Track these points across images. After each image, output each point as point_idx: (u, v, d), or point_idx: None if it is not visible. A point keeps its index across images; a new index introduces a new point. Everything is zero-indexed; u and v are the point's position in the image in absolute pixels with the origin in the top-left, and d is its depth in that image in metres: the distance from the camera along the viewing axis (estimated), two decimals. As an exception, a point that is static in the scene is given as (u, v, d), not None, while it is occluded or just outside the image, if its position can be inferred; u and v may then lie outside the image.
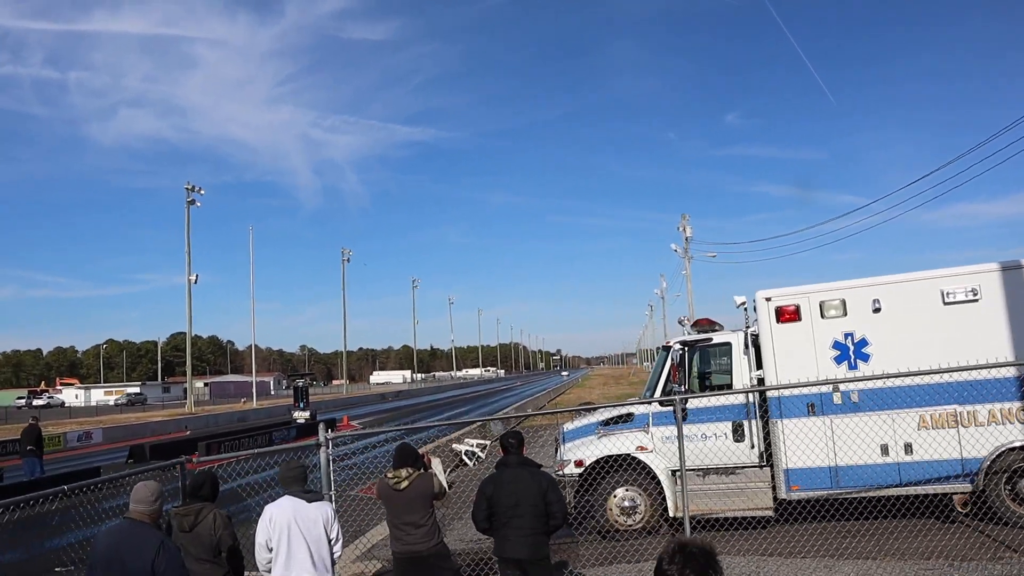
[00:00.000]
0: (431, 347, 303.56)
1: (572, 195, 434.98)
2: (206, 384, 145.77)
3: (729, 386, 11.51)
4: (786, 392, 10.72)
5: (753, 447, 11.11)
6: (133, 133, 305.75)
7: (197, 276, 72.11)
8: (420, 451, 7.72)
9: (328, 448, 7.95)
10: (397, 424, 45.01)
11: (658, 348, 12.79)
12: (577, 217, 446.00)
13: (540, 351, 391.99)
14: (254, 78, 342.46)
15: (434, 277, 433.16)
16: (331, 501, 7.99)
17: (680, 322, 12.58)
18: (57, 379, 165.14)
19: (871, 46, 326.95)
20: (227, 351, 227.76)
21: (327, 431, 7.95)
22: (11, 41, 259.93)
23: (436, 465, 8.00)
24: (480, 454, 24.85)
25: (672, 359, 11.33)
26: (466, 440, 25.61)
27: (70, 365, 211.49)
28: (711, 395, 11.13)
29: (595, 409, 12.70)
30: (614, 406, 11.57)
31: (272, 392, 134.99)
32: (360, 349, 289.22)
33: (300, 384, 43.06)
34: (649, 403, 11.57)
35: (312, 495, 6.63)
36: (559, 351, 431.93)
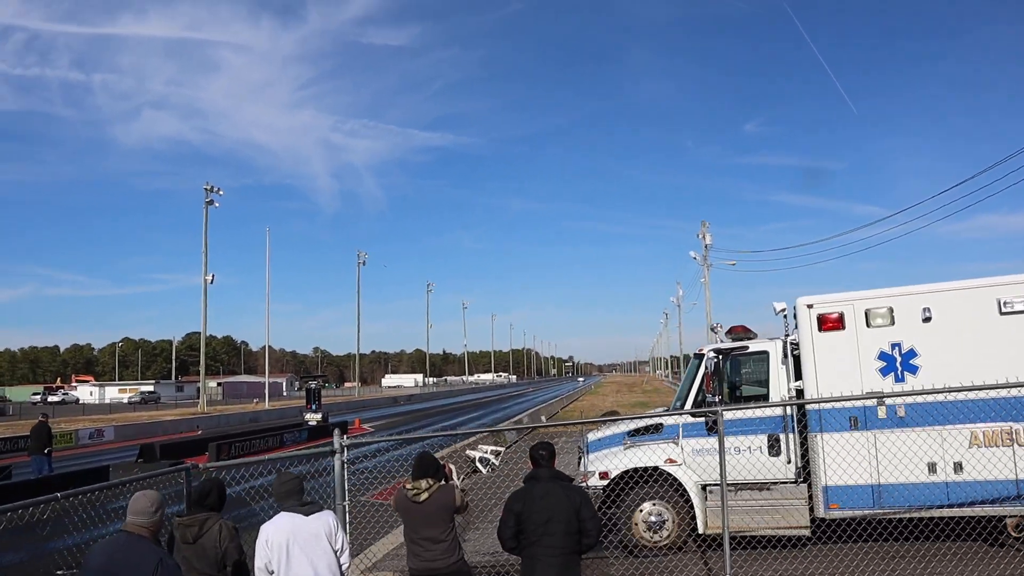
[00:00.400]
0: (443, 351, 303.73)
1: (588, 201, 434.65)
2: (219, 384, 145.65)
3: (765, 397, 10.92)
4: (827, 405, 10.12)
5: (790, 462, 10.51)
6: (156, 135, 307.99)
7: (213, 276, 71.98)
8: (441, 460, 7.15)
9: (343, 455, 7.41)
10: (411, 430, 44.51)
11: (692, 355, 12.18)
12: (593, 223, 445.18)
13: (553, 357, 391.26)
14: (276, 82, 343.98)
15: (449, 281, 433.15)
16: (345, 512, 7.46)
17: (713, 329, 11.99)
18: (73, 376, 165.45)
19: (893, 54, 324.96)
20: (241, 352, 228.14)
21: (342, 436, 7.41)
22: (40, 44, 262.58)
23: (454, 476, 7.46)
24: (494, 461, 24.34)
25: (706, 367, 10.74)
26: (480, 446, 25.12)
27: (86, 363, 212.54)
28: (751, 407, 10.48)
29: (621, 420, 12.15)
30: (642, 417, 10.98)
31: (285, 393, 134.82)
32: (373, 352, 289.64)
33: (312, 386, 42.60)
34: (681, 414, 10.99)
35: (310, 507, 6.07)
36: (571, 357, 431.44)
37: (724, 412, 10.13)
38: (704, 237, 62.47)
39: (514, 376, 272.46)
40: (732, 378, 11.41)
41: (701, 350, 11.48)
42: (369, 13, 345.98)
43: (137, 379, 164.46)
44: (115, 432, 44.02)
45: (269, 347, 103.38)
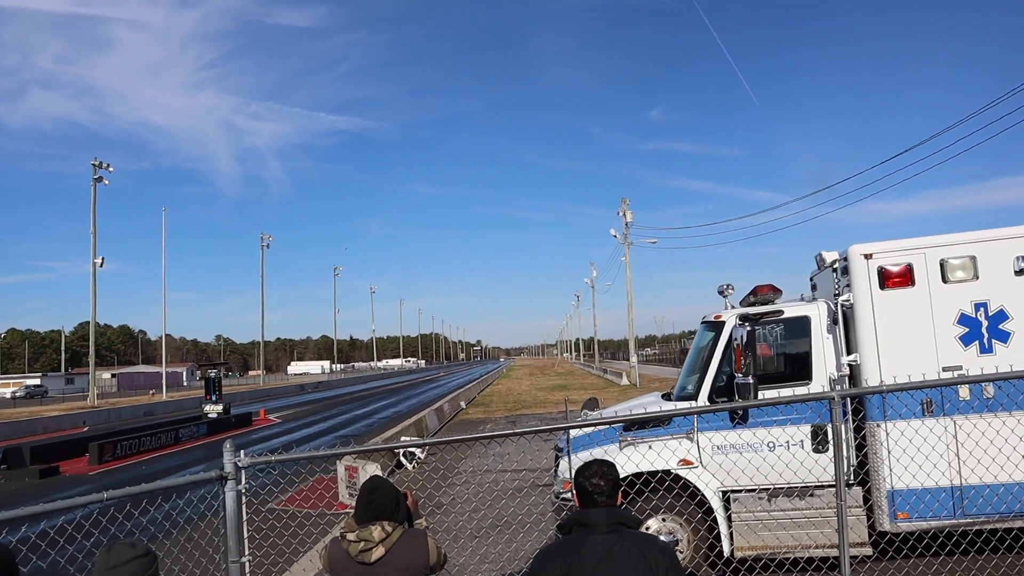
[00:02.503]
0: (351, 337, 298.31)
1: (497, 186, 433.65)
2: (113, 375, 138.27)
3: (802, 376, 8.44)
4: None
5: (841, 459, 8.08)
6: (45, 116, 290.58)
7: (103, 260, 66.76)
8: (401, 488, 4.35)
9: (240, 482, 4.53)
10: (321, 419, 41.22)
11: (702, 324, 9.59)
12: (500, 208, 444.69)
13: (461, 342, 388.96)
14: (175, 62, 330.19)
15: (356, 267, 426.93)
16: (244, 571, 4.59)
17: (722, 292, 9.42)
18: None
19: (796, 51, 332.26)
20: (138, 341, 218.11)
21: (237, 454, 4.50)
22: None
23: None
24: (419, 454, 21.57)
25: (735, 339, 8.15)
26: (402, 438, 22.35)
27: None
28: (798, 399, 7.83)
29: (632, 420, 9.53)
30: (651, 416, 8.19)
31: (185, 383, 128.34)
32: (278, 339, 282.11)
33: (212, 375, 38.90)
34: (696, 406, 8.44)
35: None
36: (480, 342, 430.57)
37: (749, 392, 7.78)
38: (624, 215, 60.67)
39: (423, 361, 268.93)
40: (762, 352, 8.89)
41: (718, 316, 8.89)
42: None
43: (24, 372, 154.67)
44: (-17, 431, 39.33)
45: (168, 335, 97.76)
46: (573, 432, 8.84)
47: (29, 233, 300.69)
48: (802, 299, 9.41)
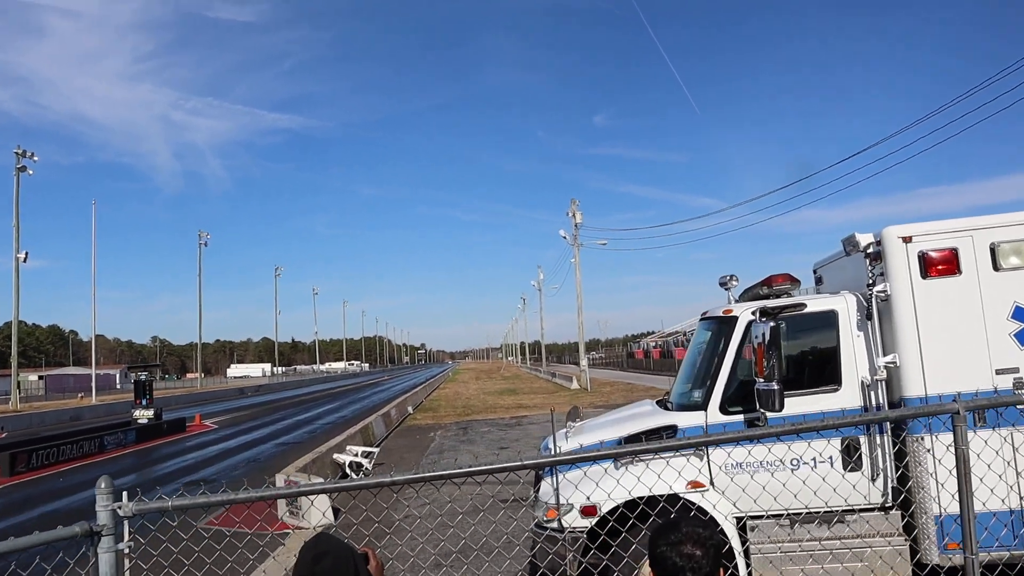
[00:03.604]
0: (293, 340, 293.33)
1: (442, 188, 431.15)
2: (41, 377, 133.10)
3: (829, 381, 7.20)
4: (935, 391, 6.54)
5: (876, 478, 6.86)
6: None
7: (27, 254, 63.74)
8: (359, 548, 2.91)
9: (123, 539, 3.05)
10: (260, 425, 39.24)
11: (706, 320, 8.31)
12: (445, 209, 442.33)
13: (405, 345, 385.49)
14: (110, 52, 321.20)
15: (298, 268, 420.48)
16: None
17: (724, 284, 8.16)
18: None
19: (735, 57, 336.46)
20: (69, 342, 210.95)
21: (118, 498, 3.00)
22: None
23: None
24: (367, 465, 20.04)
25: (753, 337, 6.87)
26: (348, 448, 20.74)
27: None
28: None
29: (625, 423, 8.14)
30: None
31: (119, 386, 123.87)
32: (217, 341, 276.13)
33: (142, 378, 36.61)
34: (727, 432, 7.14)
35: None
36: (424, 345, 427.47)
37: (772, 400, 6.56)
38: (574, 216, 59.63)
39: (367, 364, 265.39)
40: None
41: (728, 311, 7.63)
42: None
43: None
44: None
45: (102, 336, 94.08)
46: (559, 445, 7.49)
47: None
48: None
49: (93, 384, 74.37)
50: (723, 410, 7.23)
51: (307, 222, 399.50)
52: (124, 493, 3.11)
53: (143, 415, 34.44)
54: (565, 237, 60.55)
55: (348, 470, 18.63)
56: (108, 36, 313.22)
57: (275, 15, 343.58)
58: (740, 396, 7.24)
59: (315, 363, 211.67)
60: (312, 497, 13.60)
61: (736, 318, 7.46)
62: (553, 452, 7.36)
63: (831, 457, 6.83)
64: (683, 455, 6.88)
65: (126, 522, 3.09)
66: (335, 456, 18.87)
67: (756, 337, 6.78)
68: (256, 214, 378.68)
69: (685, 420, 7.38)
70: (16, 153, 61.50)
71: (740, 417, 7.12)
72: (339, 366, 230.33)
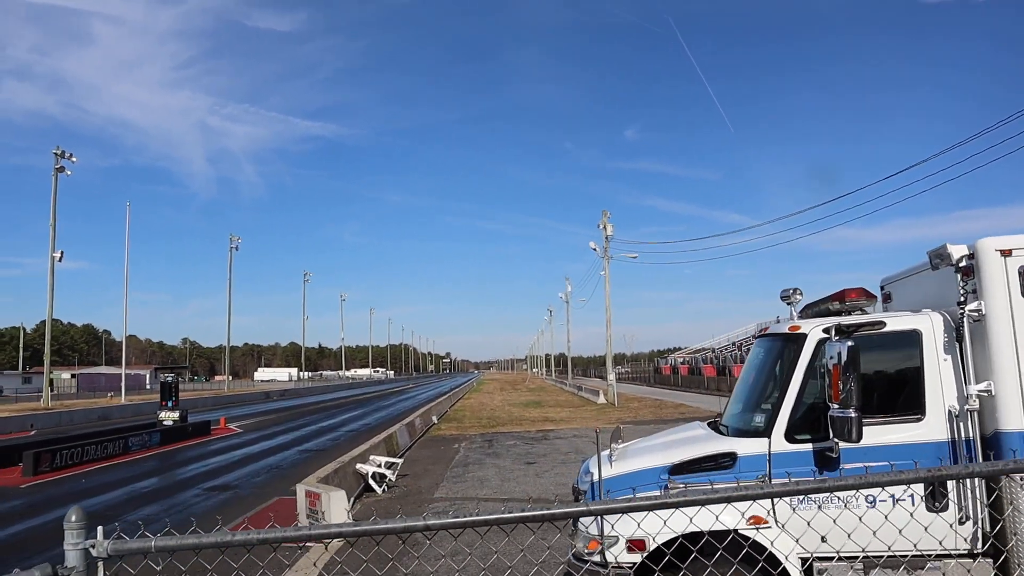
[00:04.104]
0: (319, 345, 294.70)
1: (470, 198, 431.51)
2: (74, 375, 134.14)
3: (913, 407, 6.66)
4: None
5: (965, 520, 6.30)
6: (16, 107, 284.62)
7: (62, 253, 64.16)
8: None
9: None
10: (282, 431, 39.03)
11: (764, 337, 7.83)
12: (472, 220, 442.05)
13: (430, 353, 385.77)
14: (151, 59, 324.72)
15: (327, 275, 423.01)
16: None
17: (786, 297, 7.64)
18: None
19: (770, 76, 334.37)
20: (102, 341, 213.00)
21: (91, 534, 2.61)
22: None
23: None
24: (390, 476, 19.64)
25: (826, 357, 6.38)
26: (372, 458, 20.27)
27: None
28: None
29: (674, 443, 7.61)
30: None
31: (148, 386, 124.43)
32: (246, 344, 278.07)
33: (168, 379, 36.56)
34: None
35: None
36: (449, 354, 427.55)
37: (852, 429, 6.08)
38: (605, 228, 59.07)
39: (391, 372, 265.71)
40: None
41: (795, 327, 7.06)
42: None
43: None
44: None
45: (134, 336, 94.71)
46: (599, 473, 7.01)
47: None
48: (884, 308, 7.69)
49: (123, 384, 74.75)
50: (789, 437, 6.65)
51: (337, 229, 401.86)
52: (99, 529, 2.72)
53: (168, 417, 34.38)
54: (595, 249, 60.00)
55: (371, 481, 18.28)
56: (150, 43, 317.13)
57: (311, 25, 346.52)
58: (808, 422, 6.67)
59: (341, 369, 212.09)
60: (331, 509, 13.28)
61: (805, 335, 6.87)
62: (598, 477, 6.91)
63: (913, 495, 6.29)
64: (744, 486, 6.39)
65: (101, 565, 2.69)
66: (358, 466, 18.52)
67: (831, 357, 6.23)
68: (287, 220, 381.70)
69: (745, 447, 6.79)
70: (55, 153, 62.04)
71: (808, 446, 6.55)
72: (364, 373, 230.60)
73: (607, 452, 7.53)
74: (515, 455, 23.75)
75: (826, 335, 6.57)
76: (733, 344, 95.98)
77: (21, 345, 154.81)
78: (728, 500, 3.54)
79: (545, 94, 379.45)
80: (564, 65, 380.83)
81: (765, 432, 6.77)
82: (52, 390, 69.86)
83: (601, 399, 54.65)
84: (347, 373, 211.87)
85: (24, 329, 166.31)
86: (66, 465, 23.42)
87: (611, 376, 57.35)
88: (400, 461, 20.57)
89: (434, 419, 38.90)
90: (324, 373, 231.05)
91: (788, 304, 7.64)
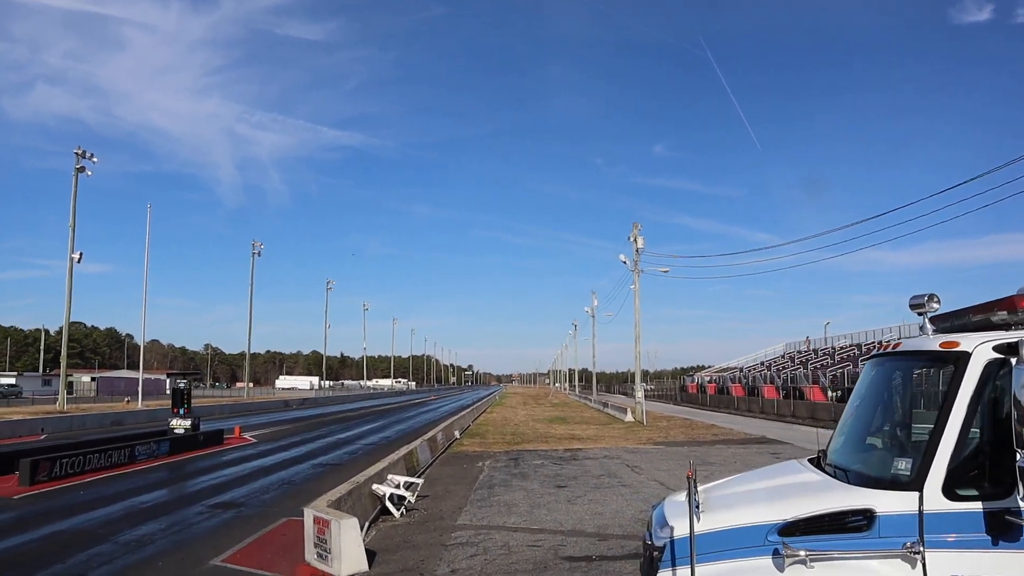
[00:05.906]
0: (341, 354, 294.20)
1: (496, 211, 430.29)
2: (93, 379, 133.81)
3: None
4: None
5: None
6: (49, 111, 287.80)
7: (81, 255, 63.10)
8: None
9: None
10: (299, 442, 37.44)
11: (887, 352, 6.12)
12: (498, 233, 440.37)
13: (452, 365, 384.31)
14: (182, 66, 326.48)
15: (350, 284, 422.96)
16: None
17: (917, 305, 5.87)
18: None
19: (800, 98, 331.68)
20: (124, 345, 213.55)
21: None
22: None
23: None
24: (410, 497, 17.98)
25: (1014, 385, 4.63)
26: (390, 477, 18.60)
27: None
28: None
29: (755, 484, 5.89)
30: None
31: (167, 392, 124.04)
32: (268, 352, 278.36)
33: (180, 386, 35.16)
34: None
35: None
36: (471, 366, 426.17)
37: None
38: (635, 240, 57.27)
39: (413, 383, 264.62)
40: (996, 408, 5.30)
41: (952, 343, 5.32)
42: (285, 3, 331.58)
43: (5, 370, 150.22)
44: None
45: (156, 341, 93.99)
46: (678, 529, 5.34)
47: (28, 229, 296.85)
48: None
49: (140, 388, 73.86)
50: (948, 492, 4.94)
51: (362, 239, 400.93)
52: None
53: (180, 425, 32.95)
54: (625, 262, 58.17)
55: (388, 503, 16.65)
56: (181, 50, 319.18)
57: (342, 35, 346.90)
58: (974, 472, 5.02)
59: (362, 379, 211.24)
60: (342, 541, 11.67)
61: (968, 354, 5.17)
62: (690, 533, 5.22)
63: None
64: (886, 557, 4.71)
65: None
66: (374, 487, 16.89)
67: (1021, 387, 4.57)
68: (312, 228, 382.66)
69: (886, 503, 5.07)
70: (76, 153, 61.25)
71: (977, 505, 4.87)
72: (386, 383, 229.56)
73: (682, 498, 5.83)
74: (543, 477, 22.04)
75: (999, 355, 4.87)
76: (762, 364, 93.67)
77: (42, 347, 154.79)
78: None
79: (576, 109, 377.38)
80: (593, 81, 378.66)
81: (915, 484, 5.04)
82: (71, 393, 69.00)
83: (629, 417, 52.72)
84: (368, 383, 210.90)
85: (46, 331, 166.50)
86: (66, 474, 21.94)
87: (639, 393, 55.36)
88: (420, 481, 18.94)
89: (456, 434, 37.25)
90: (345, 382, 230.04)
91: (919, 313, 5.86)
